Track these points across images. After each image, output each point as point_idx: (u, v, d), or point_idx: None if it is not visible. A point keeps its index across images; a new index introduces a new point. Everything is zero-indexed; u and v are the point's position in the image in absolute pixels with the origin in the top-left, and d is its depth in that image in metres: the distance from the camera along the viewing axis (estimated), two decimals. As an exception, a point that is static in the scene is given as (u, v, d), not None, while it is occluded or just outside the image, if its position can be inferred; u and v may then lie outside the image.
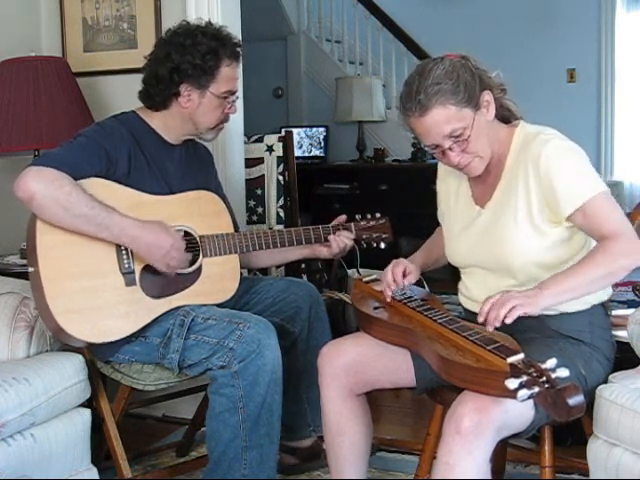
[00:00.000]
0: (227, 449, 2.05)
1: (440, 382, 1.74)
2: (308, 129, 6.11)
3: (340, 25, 6.40)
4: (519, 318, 1.75)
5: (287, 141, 3.38)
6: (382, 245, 2.40)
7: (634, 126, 6.27)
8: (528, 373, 1.40)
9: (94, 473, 2.19)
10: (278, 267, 3.24)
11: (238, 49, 2.24)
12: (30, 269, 2.06)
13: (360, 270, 3.07)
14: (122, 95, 2.90)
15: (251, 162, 3.31)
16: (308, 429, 2.45)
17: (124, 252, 2.08)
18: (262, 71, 6.29)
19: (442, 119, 1.71)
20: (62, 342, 2.16)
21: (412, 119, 1.75)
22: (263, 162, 3.37)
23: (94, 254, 2.05)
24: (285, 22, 6.30)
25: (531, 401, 1.47)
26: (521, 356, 1.48)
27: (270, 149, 3.37)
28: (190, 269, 2.16)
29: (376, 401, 2.96)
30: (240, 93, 2.39)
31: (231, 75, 2.21)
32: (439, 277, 2.28)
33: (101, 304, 2.04)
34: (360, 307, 1.94)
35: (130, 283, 2.08)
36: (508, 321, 1.60)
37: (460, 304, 1.97)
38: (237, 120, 2.88)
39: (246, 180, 3.13)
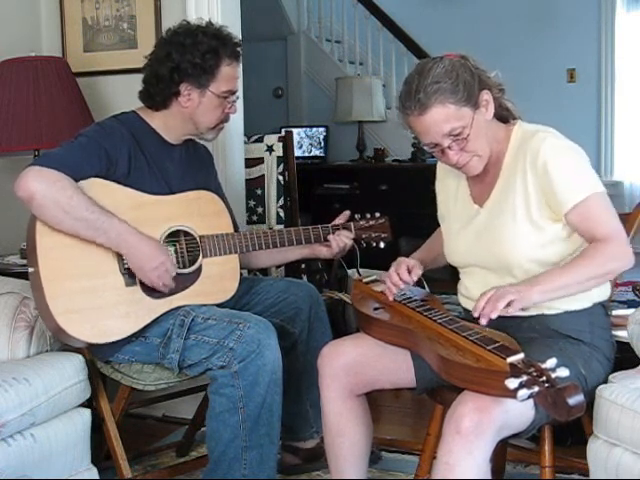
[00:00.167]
0: (227, 449, 2.05)
1: (440, 382, 1.74)
2: (308, 129, 6.11)
3: (340, 25, 6.41)
4: (519, 318, 1.76)
5: (287, 141, 3.38)
6: (382, 245, 2.40)
7: (634, 126, 6.28)
8: (528, 373, 1.40)
9: (94, 473, 2.19)
10: (278, 267, 3.24)
11: (238, 49, 2.24)
12: (30, 269, 2.06)
13: (360, 270, 3.06)
14: (122, 95, 2.90)
15: (251, 162, 3.31)
16: (310, 430, 2.44)
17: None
18: (262, 71, 6.29)
19: (441, 118, 1.71)
20: (62, 342, 2.16)
21: (411, 118, 1.75)
22: (263, 162, 3.37)
23: (94, 254, 2.05)
24: (285, 22, 6.30)
25: (531, 401, 1.47)
26: (521, 356, 1.48)
27: (270, 149, 3.37)
28: (190, 269, 2.16)
29: (376, 401, 2.96)
30: (240, 93, 2.39)
31: (231, 75, 2.21)
32: (439, 277, 2.28)
33: (101, 304, 2.04)
34: (360, 308, 1.94)
35: (130, 283, 2.08)
36: (511, 311, 1.61)
37: (460, 304, 1.97)
38: (237, 120, 2.88)
39: (246, 180, 3.13)
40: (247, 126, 3.06)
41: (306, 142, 6.09)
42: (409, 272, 1.93)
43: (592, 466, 1.75)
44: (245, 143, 3.20)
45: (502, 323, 1.64)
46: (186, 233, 2.17)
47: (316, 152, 6.07)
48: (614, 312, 2.12)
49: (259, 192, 3.37)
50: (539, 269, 1.75)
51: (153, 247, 2.06)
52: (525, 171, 1.77)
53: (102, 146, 2.08)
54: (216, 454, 2.07)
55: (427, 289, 2.04)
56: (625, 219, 2.02)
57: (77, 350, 2.19)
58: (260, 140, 3.39)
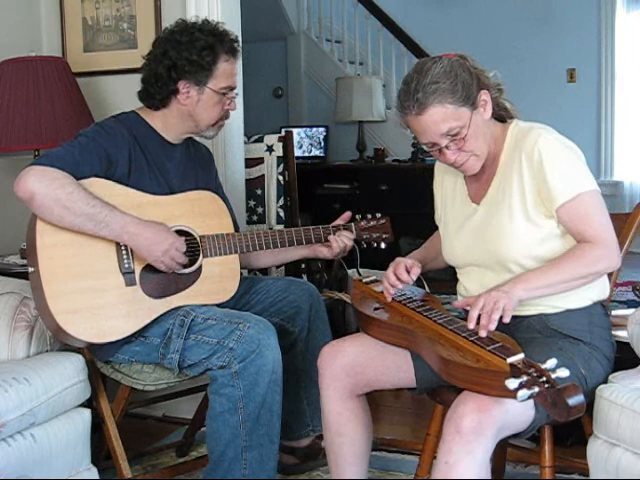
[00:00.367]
0: (227, 449, 2.05)
1: (440, 382, 1.74)
2: (308, 129, 6.11)
3: (340, 25, 6.41)
4: (519, 317, 1.76)
5: (287, 141, 3.38)
6: (382, 245, 2.40)
7: (634, 126, 6.28)
8: (528, 373, 1.40)
9: (94, 473, 2.19)
10: (278, 267, 3.24)
11: (236, 44, 2.23)
12: (30, 269, 2.06)
13: (360, 270, 3.06)
14: (122, 95, 2.90)
15: (251, 162, 3.31)
16: (307, 429, 2.44)
17: (124, 252, 2.08)
18: (262, 71, 6.29)
19: (439, 118, 1.72)
20: (62, 342, 2.17)
21: (410, 117, 1.76)
22: (263, 162, 3.37)
23: (94, 254, 2.05)
24: (285, 22, 6.30)
25: (531, 401, 1.47)
26: (521, 356, 1.49)
27: (270, 149, 3.37)
28: (190, 269, 2.16)
29: (376, 401, 2.97)
30: (240, 93, 2.39)
31: (229, 70, 2.20)
32: (439, 277, 2.28)
33: (101, 304, 2.04)
34: (360, 308, 1.94)
35: (130, 283, 2.08)
36: (506, 320, 1.61)
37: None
38: (237, 120, 2.88)
39: (246, 180, 3.13)
40: (247, 126, 3.06)
41: (306, 142, 6.09)
42: (408, 272, 1.93)
43: (592, 466, 1.75)
44: (245, 143, 3.20)
45: (501, 323, 1.64)
46: (186, 233, 2.17)
47: (316, 152, 6.07)
48: (614, 312, 2.12)
49: (259, 192, 3.37)
50: (535, 264, 1.76)
51: (157, 231, 2.06)
52: (521, 167, 1.77)
53: (102, 146, 2.08)
54: (216, 454, 2.07)
55: (427, 289, 2.04)
56: (625, 219, 2.02)
57: (77, 350, 2.19)
58: (260, 140, 3.39)
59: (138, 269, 2.09)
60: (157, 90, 2.19)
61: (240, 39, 2.33)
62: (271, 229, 3.21)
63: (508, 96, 1.88)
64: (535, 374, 1.40)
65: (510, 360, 1.47)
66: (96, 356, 2.24)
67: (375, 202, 4.87)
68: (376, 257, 2.49)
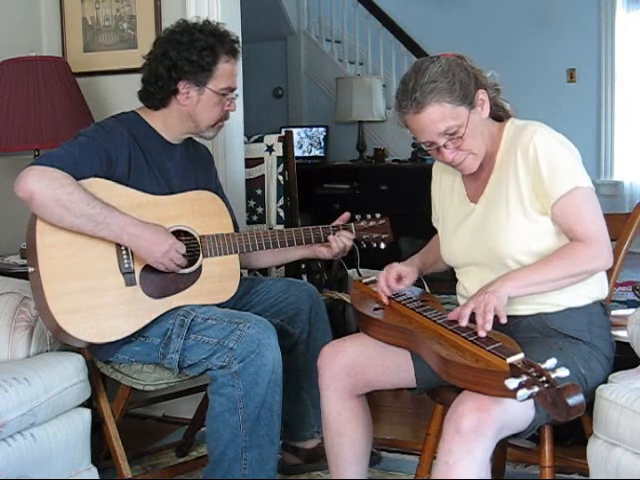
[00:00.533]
0: (227, 449, 2.05)
1: (440, 382, 1.74)
2: (308, 129, 6.11)
3: (340, 25, 6.41)
4: (518, 317, 1.76)
5: (287, 141, 3.38)
6: (382, 245, 2.40)
7: (634, 126, 6.28)
8: (528, 373, 1.40)
9: (94, 473, 2.19)
10: (278, 267, 3.24)
11: (236, 45, 2.23)
12: (30, 269, 2.06)
13: (360, 270, 3.06)
14: (122, 95, 2.90)
15: (251, 162, 3.31)
16: (311, 430, 2.44)
17: (124, 252, 2.08)
18: (262, 71, 6.29)
19: (437, 117, 1.72)
20: (62, 342, 2.17)
21: (408, 116, 1.76)
22: (263, 162, 3.37)
23: (94, 254, 2.05)
24: (285, 22, 6.30)
25: (531, 401, 1.47)
26: (521, 356, 1.49)
27: (270, 149, 3.37)
28: (190, 269, 2.16)
29: (376, 401, 2.96)
30: (240, 93, 2.39)
31: (229, 71, 2.20)
32: (439, 277, 2.28)
33: (101, 304, 2.04)
34: (360, 308, 1.94)
35: (130, 283, 2.08)
36: (503, 321, 1.62)
37: (459, 305, 1.97)
38: (237, 120, 2.88)
39: (246, 180, 3.13)
40: (247, 126, 3.06)
41: (306, 142, 6.09)
42: (400, 279, 1.93)
43: (592, 466, 1.75)
44: (245, 143, 3.20)
45: (500, 324, 1.64)
46: (186, 233, 2.17)
47: (316, 152, 6.07)
48: (614, 312, 2.11)
49: (259, 192, 3.37)
50: (533, 261, 1.76)
51: (157, 232, 2.06)
52: (517, 164, 1.78)
53: (102, 146, 2.08)
54: (216, 454, 2.07)
55: (427, 289, 2.04)
56: (625, 219, 2.02)
57: (77, 350, 2.19)
58: (260, 140, 3.39)
59: (138, 269, 2.09)
60: (157, 90, 2.19)
61: (240, 39, 2.33)
62: (271, 229, 3.21)
63: (508, 96, 1.89)
64: (535, 374, 1.40)
65: (510, 360, 1.47)
66: (96, 356, 2.24)
67: (375, 202, 4.86)
68: (376, 257, 2.49)
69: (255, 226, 3.31)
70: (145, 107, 2.25)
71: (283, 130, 4.26)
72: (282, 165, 3.36)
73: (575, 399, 1.34)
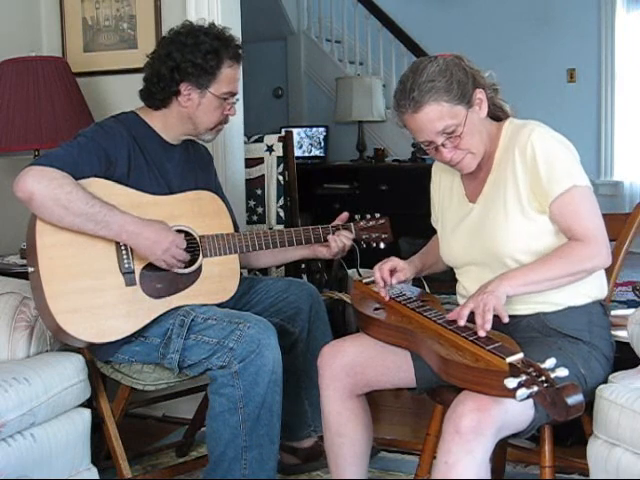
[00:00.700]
0: (227, 449, 2.05)
1: (440, 382, 1.74)
2: (308, 129, 6.11)
3: (340, 25, 6.41)
4: (518, 317, 1.76)
5: (287, 141, 3.38)
6: (382, 245, 2.40)
7: (634, 126, 6.28)
8: (527, 373, 1.40)
9: (94, 473, 2.19)
10: (278, 267, 3.24)
11: (240, 51, 2.24)
12: (30, 269, 2.07)
13: (360, 270, 3.07)
14: (122, 95, 2.90)
15: (251, 162, 3.31)
16: (308, 429, 2.44)
17: (124, 252, 2.08)
18: (262, 71, 6.30)
19: (435, 116, 1.73)
20: (62, 342, 2.17)
21: (406, 116, 1.77)
22: (263, 162, 3.37)
23: (94, 254, 2.05)
24: (285, 22, 6.30)
25: (531, 401, 1.48)
26: (520, 356, 1.49)
27: (270, 149, 3.37)
28: (190, 269, 2.16)
29: (376, 401, 2.96)
30: (240, 93, 2.39)
31: (232, 76, 2.21)
32: (439, 277, 2.28)
33: (101, 304, 2.04)
34: (360, 308, 1.94)
35: (130, 283, 2.08)
36: (505, 320, 1.63)
37: (459, 305, 1.97)
38: (237, 120, 2.88)
39: (246, 180, 3.13)
40: (247, 126, 3.06)
41: (306, 142, 6.09)
42: (393, 273, 1.93)
43: (592, 466, 1.75)
44: (245, 143, 3.20)
45: (501, 323, 1.64)
46: (186, 233, 2.17)
47: (316, 152, 6.07)
48: (614, 312, 2.11)
49: (259, 192, 3.37)
50: (531, 259, 1.76)
51: (157, 229, 2.06)
52: (515, 163, 1.78)
53: (101, 146, 2.08)
54: (216, 454, 2.07)
55: (427, 289, 2.04)
56: (625, 219, 2.02)
57: (77, 350, 2.19)
58: (260, 140, 3.39)
59: (138, 269, 2.09)
60: (158, 90, 2.19)
61: (240, 39, 2.33)
62: (271, 229, 3.21)
63: (508, 96, 1.89)
64: (534, 373, 1.40)
65: (509, 360, 1.47)
66: (96, 356, 2.24)
67: (375, 202, 4.86)
68: (376, 257, 2.48)
69: (255, 226, 3.31)
70: (145, 107, 2.25)
71: (283, 130, 4.26)
72: (282, 165, 3.36)
73: (574, 399, 1.34)
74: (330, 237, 2.31)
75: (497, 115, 1.88)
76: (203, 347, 2.05)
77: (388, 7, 6.24)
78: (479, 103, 1.78)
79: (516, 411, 1.55)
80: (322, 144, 6.07)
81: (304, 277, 3.50)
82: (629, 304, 3.81)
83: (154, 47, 2.28)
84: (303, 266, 3.51)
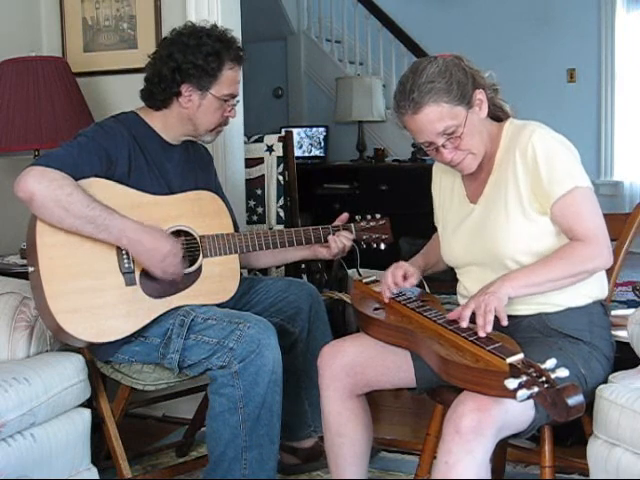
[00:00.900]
0: (227, 449, 2.05)
1: (440, 382, 1.74)
2: (308, 129, 6.11)
3: (340, 25, 6.41)
4: (518, 317, 1.76)
5: (287, 141, 3.38)
6: (382, 246, 2.40)
7: (634, 126, 6.28)
8: (527, 373, 1.40)
9: (94, 473, 2.19)
10: (278, 267, 3.24)
11: (241, 53, 2.24)
12: (30, 269, 2.06)
13: (360, 270, 3.07)
14: (122, 95, 2.90)
15: (251, 162, 3.31)
16: (309, 429, 2.45)
17: (124, 252, 2.08)
18: (262, 71, 6.29)
19: (435, 117, 1.72)
20: (62, 342, 2.17)
21: (406, 117, 1.76)
22: (263, 162, 3.37)
23: (94, 254, 2.05)
24: (285, 22, 6.30)
25: (531, 401, 1.47)
26: (520, 356, 1.49)
27: (270, 149, 3.37)
28: (190, 269, 2.16)
29: (376, 401, 2.96)
30: (240, 93, 2.39)
31: (233, 78, 2.21)
32: (439, 277, 2.28)
33: (101, 304, 2.04)
34: (360, 308, 1.94)
35: (130, 283, 2.08)
36: (504, 323, 1.63)
37: (459, 305, 1.97)
38: (237, 120, 2.87)
39: (246, 180, 3.13)
40: (247, 126, 3.06)
41: (306, 142, 6.09)
42: (405, 278, 1.93)
43: (592, 466, 1.75)
44: (245, 143, 3.20)
45: (500, 325, 1.64)
46: (186, 233, 2.18)
47: (316, 152, 6.07)
48: (614, 312, 2.11)
49: (259, 192, 3.37)
50: (532, 260, 1.75)
51: (156, 238, 2.06)
52: (515, 164, 1.78)
53: (102, 146, 2.08)
54: (216, 454, 2.07)
55: (427, 289, 2.04)
56: (625, 219, 2.02)
57: (77, 350, 2.19)
58: (260, 140, 3.39)
59: (138, 269, 2.09)
60: (159, 91, 2.19)
61: (240, 40, 2.33)
62: (271, 229, 3.21)
63: (508, 96, 1.89)
64: (535, 374, 1.40)
65: (509, 360, 1.47)
66: (96, 356, 2.24)
67: (375, 202, 4.86)
68: (376, 257, 2.49)
69: (255, 226, 3.31)
70: (145, 107, 2.26)
71: (283, 130, 4.26)
72: (282, 165, 3.36)
73: (575, 399, 1.34)
74: (330, 238, 2.31)
75: (497, 115, 1.88)
76: (203, 347, 2.05)
77: (388, 7, 6.24)
78: (479, 104, 1.78)
79: (516, 411, 1.55)
80: (322, 144, 6.07)
81: (304, 277, 3.50)
82: (629, 304, 3.81)
83: (154, 47, 2.29)
84: (303, 266, 3.51)
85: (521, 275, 1.71)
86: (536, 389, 1.37)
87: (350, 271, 3.36)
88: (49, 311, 1.99)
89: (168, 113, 2.22)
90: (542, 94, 6.18)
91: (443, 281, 2.55)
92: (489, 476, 1.57)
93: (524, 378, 1.39)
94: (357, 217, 2.40)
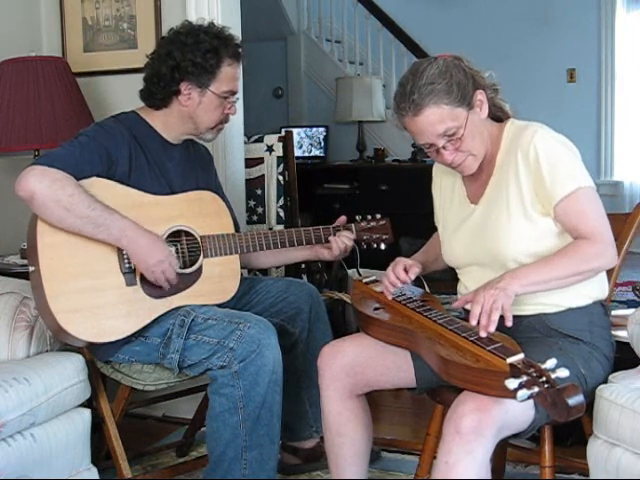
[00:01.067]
0: (227, 449, 2.05)
1: (440, 382, 1.74)
2: (308, 129, 6.11)
3: (340, 25, 6.41)
4: (518, 317, 1.76)
5: (287, 141, 3.38)
6: (382, 246, 2.40)
7: (634, 126, 6.28)
8: (528, 373, 1.40)
9: (94, 473, 2.19)
10: (278, 267, 3.24)
11: (239, 49, 2.24)
12: (31, 268, 2.06)
13: (360, 270, 3.06)
14: (122, 95, 2.90)
15: (251, 162, 3.31)
16: (310, 430, 2.45)
17: (125, 252, 2.08)
18: (262, 71, 6.29)
19: (436, 118, 1.72)
20: (62, 342, 2.17)
21: (406, 119, 1.76)
22: (263, 162, 3.37)
23: (95, 253, 2.05)
24: (285, 22, 6.30)
25: (531, 401, 1.47)
26: (521, 356, 1.49)
27: (270, 149, 3.37)
28: (191, 269, 2.16)
29: (376, 401, 2.96)
30: (240, 93, 2.40)
31: (232, 75, 2.21)
32: (439, 277, 2.28)
33: (101, 304, 2.04)
34: (360, 308, 1.94)
35: (131, 283, 2.08)
36: (508, 324, 1.62)
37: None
38: (237, 120, 2.88)
39: (246, 180, 3.13)
40: (247, 126, 3.06)
41: (306, 142, 6.09)
42: (406, 271, 1.93)
43: (592, 466, 1.75)
44: (245, 143, 3.20)
45: (502, 323, 1.64)
46: (187, 233, 2.17)
47: (316, 152, 6.07)
48: (614, 312, 2.11)
49: (259, 192, 3.37)
50: (533, 261, 1.75)
51: (154, 243, 2.06)
52: (517, 165, 1.78)
53: (102, 145, 2.08)
54: (216, 454, 2.07)
55: (427, 289, 2.04)
56: (625, 219, 2.03)
57: (77, 350, 2.19)
58: (260, 140, 3.39)
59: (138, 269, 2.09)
60: (159, 90, 2.19)
61: (240, 39, 2.34)
62: (271, 229, 3.21)
63: (508, 96, 1.89)
64: (535, 374, 1.40)
65: (510, 360, 1.47)
66: (96, 356, 2.24)
67: (375, 202, 4.86)
68: (376, 257, 2.49)
69: (255, 226, 3.31)
70: (145, 107, 2.26)
71: (283, 130, 4.26)
72: (282, 165, 3.36)
73: (575, 399, 1.34)
74: (331, 238, 2.31)
75: (497, 116, 1.88)
76: (203, 347, 2.05)
77: (388, 7, 6.24)
78: (480, 104, 1.78)
79: (516, 411, 1.55)
80: (322, 144, 6.07)
81: (304, 277, 3.50)
82: (629, 304, 3.81)
83: (154, 47, 2.28)
84: (303, 266, 3.51)
85: (530, 272, 1.69)
86: (536, 389, 1.37)
87: (350, 271, 3.36)
88: (49, 311, 1.99)
89: (168, 112, 2.22)
90: (542, 94, 6.18)
91: (443, 281, 2.55)
92: (489, 476, 1.57)
93: (524, 378, 1.39)
94: (357, 217, 2.40)
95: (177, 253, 2.16)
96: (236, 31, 2.63)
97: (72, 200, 1.96)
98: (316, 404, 2.24)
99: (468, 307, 1.91)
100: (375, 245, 2.40)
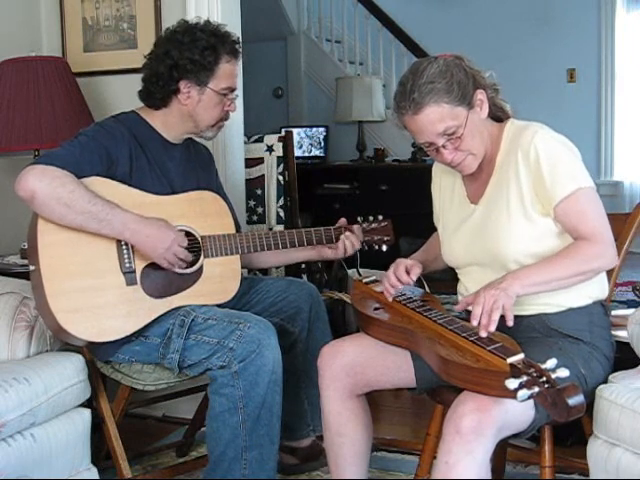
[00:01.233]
0: (227, 449, 2.05)
1: (440, 382, 1.74)
2: (308, 129, 6.11)
3: (340, 25, 6.41)
4: (519, 317, 1.76)
5: (287, 141, 3.38)
6: (384, 248, 2.39)
7: (634, 126, 6.28)
8: (528, 373, 1.40)
9: (94, 473, 2.19)
10: (278, 267, 3.24)
11: (237, 46, 2.24)
12: (31, 268, 2.07)
13: (360, 270, 3.06)
14: (122, 95, 2.90)
15: (251, 162, 3.31)
16: (307, 428, 2.45)
17: (125, 251, 2.08)
18: (262, 71, 6.29)
19: (436, 117, 1.72)
20: (62, 341, 2.17)
21: (406, 117, 1.76)
22: (263, 162, 3.37)
23: (95, 253, 2.05)
24: (285, 22, 6.30)
25: (531, 401, 1.47)
26: (521, 356, 1.49)
27: (270, 149, 3.37)
28: (191, 269, 2.16)
29: (376, 401, 2.97)
30: (240, 93, 2.40)
31: (230, 71, 2.21)
32: (439, 277, 2.28)
33: (102, 303, 2.04)
34: (360, 308, 1.94)
35: (131, 282, 2.08)
36: (510, 324, 1.62)
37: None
38: (237, 120, 2.88)
39: (246, 180, 3.13)
40: (247, 126, 3.06)
41: (306, 142, 6.08)
42: (408, 272, 1.93)
43: (592, 466, 1.75)
44: (245, 143, 3.20)
45: (502, 323, 1.64)
46: (188, 233, 2.17)
47: (316, 152, 6.07)
48: (614, 312, 2.11)
49: (259, 192, 3.37)
50: (533, 262, 1.75)
51: (159, 227, 2.06)
52: (517, 165, 1.78)
53: (103, 145, 2.08)
54: (216, 454, 2.07)
55: (427, 289, 2.04)
56: (625, 219, 2.03)
57: (77, 350, 2.19)
58: (260, 140, 3.39)
59: (139, 269, 2.09)
60: (158, 89, 2.19)
61: (240, 39, 2.34)
62: (271, 229, 3.21)
63: (508, 96, 1.89)
64: (535, 374, 1.40)
65: (510, 360, 1.47)
66: (96, 356, 2.24)
67: (375, 202, 4.86)
68: (376, 257, 2.49)
69: (255, 226, 3.31)
70: (145, 107, 2.25)
71: (283, 130, 4.26)
72: (282, 165, 3.36)
73: (575, 399, 1.34)
74: (342, 237, 2.30)
75: (497, 116, 1.88)
76: (203, 347, 2.05)
77: (388, 7, 6.24)
78: (480, 104, 1.78)
79: (516, 411, 1.55)
80: (322, 144, 6.07)
81: (304, 277, 3.50)
82: (629, 304, 3.81)
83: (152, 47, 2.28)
84: (303, 266, 3.51)
85: (531, 273, 1.69)
86: (536, 389, 1.38)
87: (350, 271, 3.36)
88: (50, 310, 1.99)
89: (168, 111, 2.22)
90: (542, 94, 6.18)
91: (443, 281, 2.55)
92: (489, 476, 1.57)
93: (525, 378, 1.39)
94: (359, 218, 2.40)
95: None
96: (236, 31, 2.63)
97: (73, 196, 1.96)
98: (315, 403, 2.25)
99: (470, 309, 1.92)
100: (377, 247, 2.40)
